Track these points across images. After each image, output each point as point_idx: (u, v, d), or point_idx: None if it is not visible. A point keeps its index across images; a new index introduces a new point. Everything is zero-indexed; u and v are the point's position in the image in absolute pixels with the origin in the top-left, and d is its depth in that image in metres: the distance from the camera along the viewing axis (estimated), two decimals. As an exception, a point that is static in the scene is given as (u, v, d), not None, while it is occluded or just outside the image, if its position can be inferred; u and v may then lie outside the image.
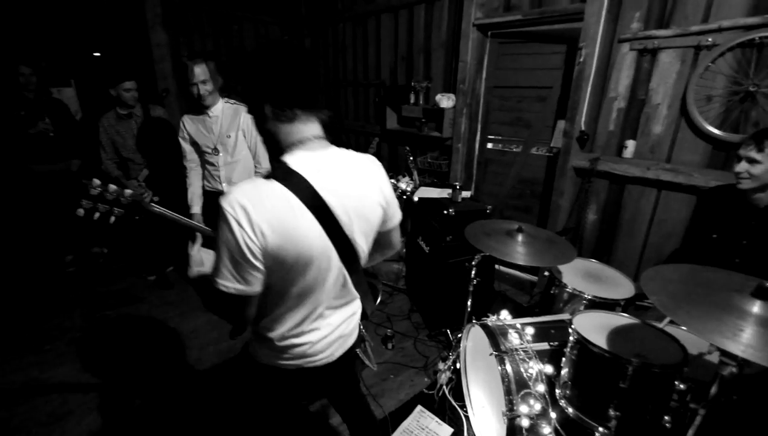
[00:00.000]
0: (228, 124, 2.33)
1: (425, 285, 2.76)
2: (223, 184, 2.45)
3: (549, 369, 1.51)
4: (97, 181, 1.06)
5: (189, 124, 2.35)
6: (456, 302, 2.36)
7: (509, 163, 3.26)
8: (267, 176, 0.85)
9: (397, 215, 1.12)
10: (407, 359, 2.40)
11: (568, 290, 1.91)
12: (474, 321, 1.78)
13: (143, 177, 3.00)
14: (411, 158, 3.07)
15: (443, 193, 2.76)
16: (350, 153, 1.01)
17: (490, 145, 3.34)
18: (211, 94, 2.21)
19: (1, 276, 3.23)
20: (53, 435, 1.89)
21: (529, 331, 1.64)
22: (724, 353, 1.03)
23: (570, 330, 1.41)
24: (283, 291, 0.94)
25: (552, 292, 2.03)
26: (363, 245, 1.01)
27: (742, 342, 0.91)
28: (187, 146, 2.41)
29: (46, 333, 2.65)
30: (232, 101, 2.36)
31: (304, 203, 0.85)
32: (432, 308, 2.67)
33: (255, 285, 0.88)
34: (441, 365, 2.14)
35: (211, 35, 4.46)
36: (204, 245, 1.17)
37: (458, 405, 1.95)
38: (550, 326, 1.74)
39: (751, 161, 1.60)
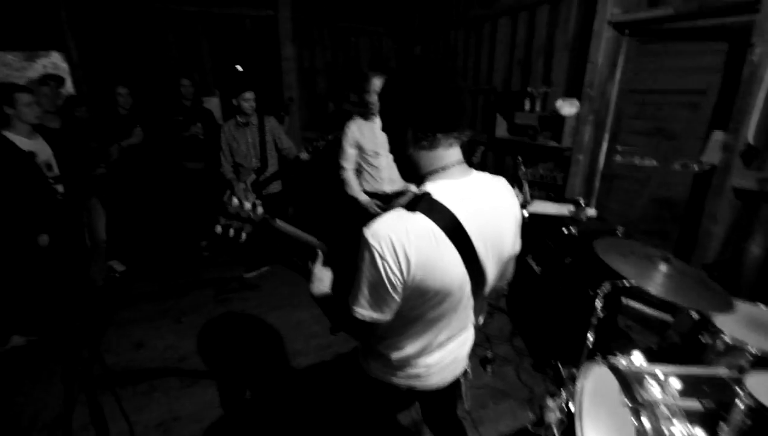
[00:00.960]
0: None
1: (532, 309, 2.54)
2: (386, 185, 2.66)
3: (702, 434, 1.23)
4: (235, 201, 1.13)
5: (356, 130, 2.56)
6: (570, 332, 2.11)
7: (642, 179, 2.83)
8: (410, 207, 0.83)
9: (519, 243, 1.07)
10: (508, 387, 2.22)
11: (725, 338, 1.55)
12: (599, 360, 1.55)
13: (250, 181, 3.30)
14: (522, 169, 2.86)
15: (562, 209, 2.50)
16: (488, 178, 0.97)
17: (618, 158, 2.95)
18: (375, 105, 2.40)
19: (149, 255, 3.89)
20: (182, 399, 2.18)
21: (674, 383, 1.37)
22: None
23: (738, 391, 1.13)
24: (414, 319, 0.94)
25: (701, 338, 1.68)
26: (493, 274, 0.98)
27: None
28: (351, 150, 2.61)
29: (183, 308, 3.10)
30: None
31: (447, 236, 0.83)
32: (539, 335, 2.44)
33: (389, 314, 0.89)
34: (549, 402, 1.92)
35: (330, 48, 4.80)
36: (324, 263, 1.15)
37: (570, 451, 1.73)
38: (701, 380, 1.43)
39: None
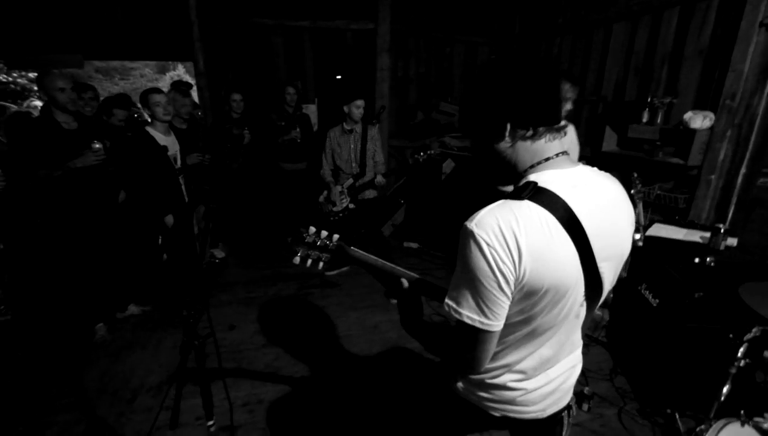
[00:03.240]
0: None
1: (642, 345, 2.21)
2: None
3: None
4: (312, 229, 1.13)
5: None
6: (693, 379, 1.79)
7: (796, 208, 2.34)
8: (515, 196, 0.75)
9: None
10: (608, 431, 1.95)
11: None
12: (743, 419, 1.27)
13: (347, 185, 3.44)
14: (638, 188, 2.54)
15: (692, 235, 2.16)
16: (597, 171, 0.86)
17: (763, 181, 2.47)
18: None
19: (245, 245, 4.23)
20: (267, 384, 2.29)
21: None
22: None
23: None
24: (515, 327, 0.82)
25: None
26: (609, 279, 0.84)
27: None
28: None
29: (270, 297, 3.30)
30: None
31: (560, 223, 0.72)
32: (648, 376, 2.11)
33: (499, 321, 0.77)
34: (664, 457, 1.64)
35: (424, 58, 4.84)
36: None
37: None
38: None
39: None
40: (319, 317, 3.04)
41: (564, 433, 1.05)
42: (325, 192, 3.50)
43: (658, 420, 1.98)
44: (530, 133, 0.79)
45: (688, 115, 2.55)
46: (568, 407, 1.03)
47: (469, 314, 0.76)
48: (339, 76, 4.62)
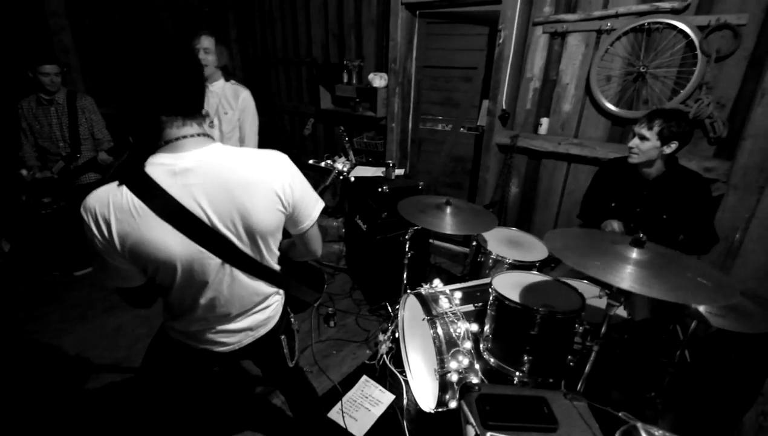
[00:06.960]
0: (228, 101, 2.38)
1: (364, 262, 2.84)
2: None
3: (474, 327, 1.65)
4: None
5: None
6: (394, 275, 2.46)
7: (441, 141, 3.40)
8: (120, 181, 0.85)
9: (306, 219, 1.04)
10: (349, 335, 2.47)
11: (492, 256, 2.08)
12: (409, 291, 1.88)
13: (57, 169, 2.78)
14: (346, 138, 3.09)
15: (378, 171, 2.82)
16: (236, 151, 0.92)
17: (422, 125, 3.45)
18: (208, 66, 2.24)
19: None
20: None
21: (457, 295, 1.78)
22: (610, 295, 1.22)
23: (490, 290, 1.56)
24: (165, 287, 0.98)
25: (479, 259, 2.20)
26: (247, 244, 0.96)
27: (624, 278, 1.09)
28: None
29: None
30: (233, 82, 2.41)
31: (151, 209, 0.83)
32: (371, 284, 2.76)
33: (123, 280, 0.94)
34: (381, 336, 2.24)
35: (119, 8, 4.02)
36: None
37: (398, 371, 2.07)
38: (475, 289, 1.90)
39: (642, 138, 1.74)
40: (38, 344, 2.39)
41: (287, 350, 1.26)
42: (24, 171, 2.77)
43: (381, 313, 2.65)
44: (150, 118, 0.86)
45: (370, 76, 3.21)
46: (279, 331, 1.20)
47: (102, 281, 0.98)
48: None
